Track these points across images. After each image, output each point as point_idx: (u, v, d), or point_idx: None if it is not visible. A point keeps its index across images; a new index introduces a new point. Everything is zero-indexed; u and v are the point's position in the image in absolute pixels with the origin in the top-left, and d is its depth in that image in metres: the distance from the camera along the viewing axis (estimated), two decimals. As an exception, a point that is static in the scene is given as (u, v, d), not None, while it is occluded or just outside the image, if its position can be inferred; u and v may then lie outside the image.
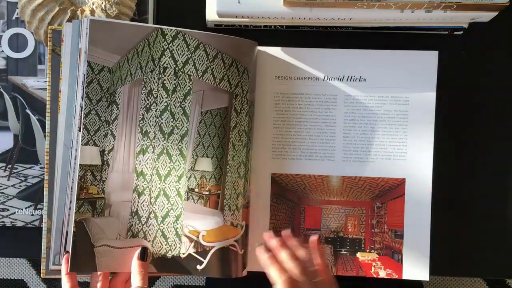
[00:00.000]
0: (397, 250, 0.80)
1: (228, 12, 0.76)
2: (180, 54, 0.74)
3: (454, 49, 0.83)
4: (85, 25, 0.70)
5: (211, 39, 0.75)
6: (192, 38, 0.74)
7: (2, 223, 0.82)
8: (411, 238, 0.80)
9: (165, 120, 0.73)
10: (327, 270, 0.74)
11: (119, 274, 0.74)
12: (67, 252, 0.70)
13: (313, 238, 0.75)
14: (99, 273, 0.72)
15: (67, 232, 0.71)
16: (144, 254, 0.72)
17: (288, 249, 0.73)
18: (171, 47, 0.73)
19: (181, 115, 0.74)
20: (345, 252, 0.81)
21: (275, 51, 0.80)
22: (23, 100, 0.83)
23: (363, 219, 0.81)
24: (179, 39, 0.73)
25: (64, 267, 0.70)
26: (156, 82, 0.73)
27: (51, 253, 0.72)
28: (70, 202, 0.70)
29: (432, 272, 0.80)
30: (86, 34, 0.70)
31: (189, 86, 0.74)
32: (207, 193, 0.76)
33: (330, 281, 0.73)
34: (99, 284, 0.73)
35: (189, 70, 0.74)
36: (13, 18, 0.83)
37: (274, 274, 0.71)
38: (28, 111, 0.83)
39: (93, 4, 0.79)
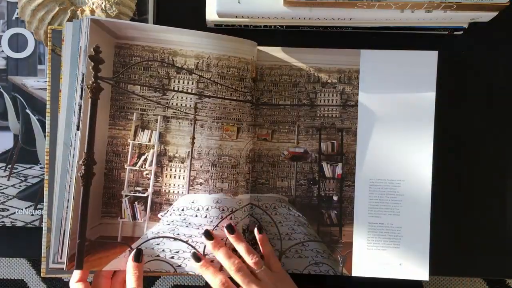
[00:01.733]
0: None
1: (228, 12, 0.76)
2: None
3: (454, 49, 0.83)
4: (85, 24, 0.70)
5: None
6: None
7: (2, 223, 0.82)
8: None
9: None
10: (272, 258, 0.76)
11: (119, 274, 0.74)
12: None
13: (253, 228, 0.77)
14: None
15: (64, 231, 0.71)
16: (138, 256, 0.72)
17: (224, 247, 0.74)
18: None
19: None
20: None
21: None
22: (23, 100, 0.83)
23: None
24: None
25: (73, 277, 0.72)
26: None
27: (51, 253, 0.72)
28: (68, 200, 0.71)
29: (432, 272, 0.80)
30: (86, 33, 0.70)
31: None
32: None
33: (277, 270, 0.74)
34: (102, 284, 0.73)
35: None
36: (13, 18, 0.83)
37: (210, 280, 0.72)
38: (28, 111, 0.83)
39: (93, 4, 0.79)
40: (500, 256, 0.84)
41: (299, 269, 0.80)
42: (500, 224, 0.84)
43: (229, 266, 0.72)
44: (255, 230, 0.77)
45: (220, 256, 0.73)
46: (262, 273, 0.73)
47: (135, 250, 0.72)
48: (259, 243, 0.77)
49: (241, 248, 0.74)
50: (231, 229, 0.75)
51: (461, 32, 0.82)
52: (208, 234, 0.74)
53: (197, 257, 0.73)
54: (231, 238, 0.75)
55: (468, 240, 0.84)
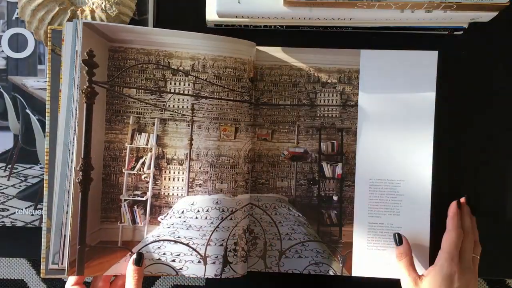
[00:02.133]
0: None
1: (228, 12, 0.76)
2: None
3: (454, 49, 0.83)
4: (80, 27, 0.70)
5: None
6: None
7: (2, 223, 0.82)
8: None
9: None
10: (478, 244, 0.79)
11: (119, 278, 0.74)
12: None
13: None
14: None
15: (65, 236, 0.71)
16: (139, 260, 0.72)
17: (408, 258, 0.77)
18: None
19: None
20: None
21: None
22: (23, 100, 0.83)
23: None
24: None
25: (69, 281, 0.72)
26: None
27: (51, 253, 0.72)
28: (68, 205, 0.71)
29: (432, 272, 0.80)
30: (80, 37, 0.70)
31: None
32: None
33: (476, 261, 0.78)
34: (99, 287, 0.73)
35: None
36: (13, 18, 0.83)
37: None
38: (28, 111, 0.83)
39: (93, 4, 0.79)
40: (500, 256, 0.84)
41: (299, 269, 0.80)
42: (501, 224, 0.84)
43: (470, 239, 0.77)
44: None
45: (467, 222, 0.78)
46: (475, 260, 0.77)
47: (135, 254, 0.72)
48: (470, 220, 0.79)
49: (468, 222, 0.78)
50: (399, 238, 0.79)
51: (461, 32, 0.82)
52: (399, 238, 0.78)
53: (400, 239, 0.78)
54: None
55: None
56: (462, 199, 0.80)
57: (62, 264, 0.71)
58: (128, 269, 0.72)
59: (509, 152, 0.84)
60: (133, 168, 0.76)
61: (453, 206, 0.78)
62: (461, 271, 0.73)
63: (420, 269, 0.79)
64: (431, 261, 0.79)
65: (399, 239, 0.78)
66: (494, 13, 0.73)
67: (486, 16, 0.75)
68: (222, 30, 0.82)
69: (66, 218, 0.71)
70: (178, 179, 0.77)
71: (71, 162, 0.71)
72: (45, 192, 0.74)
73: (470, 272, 0.74)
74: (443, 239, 0.76)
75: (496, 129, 0.84)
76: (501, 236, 0.84)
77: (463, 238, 0.76)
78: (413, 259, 0.77)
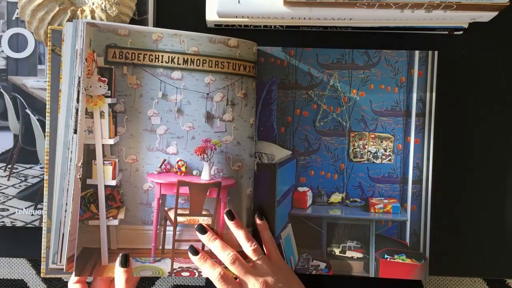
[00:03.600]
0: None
1: (228, 12, 0.76)
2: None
3: (454, 49, 0.83)
4: (81, 27, 0.70)
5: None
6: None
7: (2, 223, 0.83)
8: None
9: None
10: (272, 246, 0.76)
11: None
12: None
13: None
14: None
15: (63, 234, 0.71)
16: (124, 261, 0.72)
17: (219, 239, 0.74)
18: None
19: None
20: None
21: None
22: (23, 100, 0.83)
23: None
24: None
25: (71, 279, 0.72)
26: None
27: (51, 253, 0.72)
28: (66, 204, 0.71)
29: (432, 272, 0.80)
30: (82, 36, 0.70)
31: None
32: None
33: (276, 259, 0.75)
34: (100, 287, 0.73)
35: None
36: (13, 18, 0.83)
37: (208, 273, 0.72)
38: (28, 111, 0.83)
39: (93, 4, 0.79)
40: (500, 256, 0.84)
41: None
42: (500, 224, 0.84)
43: (224, 258, 0.72)
44: (255, 216, 0.77)
45: (215, 248, 0.73)
46: (260, 262, 0.73)
47: (120, 255, 0.72)
48: (258, 229, 0.77)
49: (240, 234, 0.74)
50: (230, 215, 0.75)
51: (461, 32, 0.82)
52: (201, 228, 0.74)
53: (194, 250, 0.73)
54: (231, 225, 0.75)
55: (468, 240, 0.84)
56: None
57: (60, 261, 0.71)
58: (115, 271, 0.72)
59: (509, 152, 0.84)
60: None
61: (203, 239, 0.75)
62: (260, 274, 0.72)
63: (420, 269, 0.79)
64: (431, 261, 0.79)
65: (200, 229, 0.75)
66: (494, 13, 0.73)
67: (486, 16, 0.75)
68: (222, 30, 0.82)
69: (65, 216, 0.71)
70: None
71: (70, 161, 0.71)
72: (45, 192, 0.74)
73: (278, 270, 0.73)
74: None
75: (496, 129, 0.84)
76: (501, 236, 0.84)
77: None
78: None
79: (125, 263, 0.72)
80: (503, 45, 0.84)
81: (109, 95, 0.72)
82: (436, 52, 0.80)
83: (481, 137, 0.84)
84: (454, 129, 0.84)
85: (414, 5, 0.71)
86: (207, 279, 0.99)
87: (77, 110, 0.70)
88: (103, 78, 0.72)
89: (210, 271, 0.72)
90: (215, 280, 0.71)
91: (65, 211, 0.71)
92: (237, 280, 0.73)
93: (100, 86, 0.71)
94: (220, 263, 0.74)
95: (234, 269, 0.72)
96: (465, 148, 0.84)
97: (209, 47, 0.75)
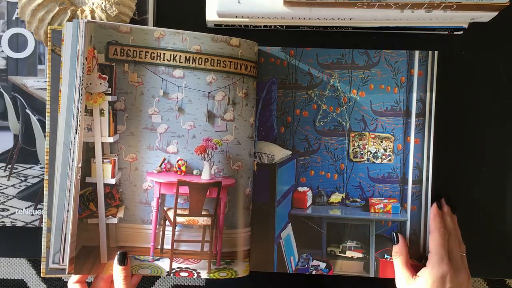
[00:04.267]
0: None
1: (228, 12, 0.76)
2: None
3: (454, 49, 0.83)
4: (82, 27, 0.71)
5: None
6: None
7: (2, 223, 0.83)
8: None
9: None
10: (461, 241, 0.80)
11: None
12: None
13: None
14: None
15: (65, 235, 0.71)
16: (123, 259, 0.72)
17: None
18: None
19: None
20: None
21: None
22: (23, 100, 0.83)
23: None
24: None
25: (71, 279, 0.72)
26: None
27: (51, 253, 0.72)
28: (69, 204, 0.71)
29: (432, 272, 0.80)
30: (82, 36, 0.70)
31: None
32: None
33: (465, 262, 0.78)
34: (100, 287, 0.73)
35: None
36: (13, 18, 0.83)
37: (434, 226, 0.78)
38: (28, 111, 0.83)
39: (93, 4, 0.79)
40: (500, 256, 0.84)
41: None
42: (500, 224, 0.84)
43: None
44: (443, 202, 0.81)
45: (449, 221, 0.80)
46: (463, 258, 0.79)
47: (118, 253, 0.72)
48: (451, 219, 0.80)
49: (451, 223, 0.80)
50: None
51: (461, 32, 0.82)
52: (396, 237, 0.79)
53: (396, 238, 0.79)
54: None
55: (468, 240, 0.83)
56: (442, 200, 0.80)
57: (62, 262, 0.71)
58: (114, 269, 0.72)
59: (509, 152, 0.84)
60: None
61: (433, 208, 0.79)
62: (453, 271, 0.74)
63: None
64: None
65: (396, 238, 0.78)
66: (494, 13, 0.73)
67: (486, 16, 0.75)
68: (222, 30, 0.83)
69: (67, 216, 0.71)
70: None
71: (72, 161, 0.71)
72: (45, 192, 0.74)
73: (463, 272, 0.75)
74: (430, 242, 0.77)
75: (496, 129, 0.84)
76: (501, 236, 0.84)
77: (448, 238, 0.77)
78: (409, 259, 0.78)
79: (123, 261, 0.72)
80: (503, 45, 0.84)
81: (110, 92, 0.72)
82: (436, 52, 0.80)
83: (481, 137, 0.84)
84: (454, 129, 0.83)
85: (414, 5, 0.71)
86: (207, 279, 0.99)
87: (78, 110, 0.70)
88: (104, 76, 0.72)
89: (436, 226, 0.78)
90: (439, 234, 0.77)
91: (67, 211, 0.71)
92: None
93: (101, 84, 0.71)
94: None
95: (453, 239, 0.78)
96: (465, 148, 0.84)
97: (211, 45, 0.75)
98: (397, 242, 0.78)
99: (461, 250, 0.78)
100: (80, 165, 0.71)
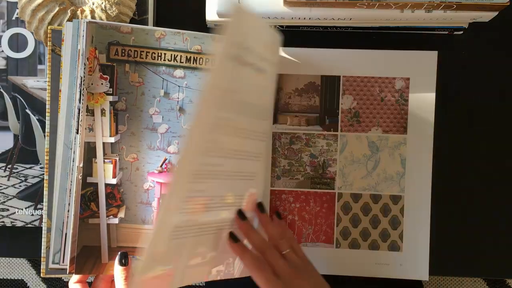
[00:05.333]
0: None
1: (228, 12, 0.76)
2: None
3: (454, 49, 0.83)
4: (83, 27, 0.71)
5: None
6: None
7: (2, 223, 0.82)
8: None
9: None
10: (295, 243, 0.73)
11: None
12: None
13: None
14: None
15: (66, 234, 0.71)
16: (124, 259, 0.72)
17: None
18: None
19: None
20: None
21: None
22: (23, 100, 0.83)
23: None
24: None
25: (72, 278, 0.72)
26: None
27: (51, 253, 0.72)
28: (69, 204, 0.71)
29: (432, 272, 0.80)
30: (84, 36, 0.70)
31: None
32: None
33: (302, 256, 0.72)
34: (101, 287, 0.73)
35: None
36: (13, 18, 0.83)
37: (238, 253, 0.69)
38: (28, 111, 0.83)
39: (93, 4, 0.79)
40: (500, 256, 0.84)
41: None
42: (501, 224, 0.84)
43: (259, 240, 0.70)
44: (274, 216, 0.76)
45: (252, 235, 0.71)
46: (289, 254, 0.70)
47: (119, 254, 0.72)
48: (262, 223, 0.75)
49: (273, 228, 0.73)
50: (261, 207, 0.74)
51: (461, 32, 0.82)
52: (241, 214, 0.71)
53: (234, 237, 0.70)
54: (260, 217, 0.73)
55: (468, 240, 0.84)
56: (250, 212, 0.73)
57: (63, 262, 0.71)
58: (115, 270, 0.72)
59: (509, 152, 0.84)
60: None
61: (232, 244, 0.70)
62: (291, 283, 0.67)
63: (420, 269, 0.79)
64: (431, 261, 0.79)
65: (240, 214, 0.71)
66: (494, 13, 0.73)
67: (486, 16, 0.75)
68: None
69: (68, 216, 0.71)
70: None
71: (73, 161, 0.71)
72: (45, 192, 0.74)
73: (295, 281, 0.68)
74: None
75: (497, 129, 0.84)
76: (501, 236, 0.84)
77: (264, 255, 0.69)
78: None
79: (124, 262, 0.72)
80: (503, 45, 0.84)
81: (111, 92, 0.72)
82: (436, 52, 0.80)
83: (481, 137, 0.84)
84: (454, 129, 0.84)
85: (414, 5, 0.71)
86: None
87: (79, 110, 0.71)
88: (105, 76, 0.72)
89: (240, 252, 0.69)
90: (245, 259, 0.68)
91: (68, 211, 0.71)
92: None
93: (102, 84, 0.71)
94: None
95: (267, 249, 0.69)
96: (465, 148, 0.84)
97: (212, 45, 0.75)
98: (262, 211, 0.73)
99: (281, 248, 0.71)
100: (81, 165, 0.71)
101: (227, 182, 0.67)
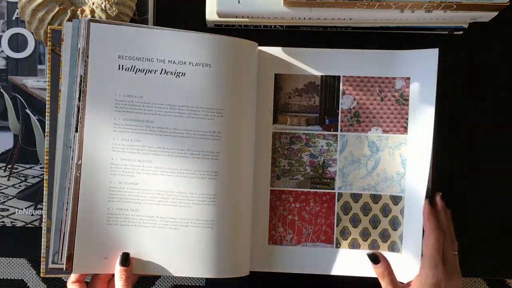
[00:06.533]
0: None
1: (228, 12, 0.76)
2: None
3: (454, 49, 0.83)
4: (83, 25, 0.71)
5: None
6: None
7: (2, 223, 0.83)
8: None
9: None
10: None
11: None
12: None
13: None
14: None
15: (64, 233, 0.71)
16: (125, 260, 0.72)
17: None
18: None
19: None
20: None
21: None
22: (23, 100, 0.83)
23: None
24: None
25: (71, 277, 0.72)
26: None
27: (51, 253, 0.72)
28: (67, 202, 0.71)
29: (432, 272, 0.80)
30: (84, 35, 0.70)
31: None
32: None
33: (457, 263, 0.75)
34: (98, 287, 0.73)
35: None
36: (13, 18, 0.83)
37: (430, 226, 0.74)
38: (28, 111, 0.83)
39: (93, 4, 0.79)
40: (500, 256, 0.84)
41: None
42: (500, 224, 0.84)
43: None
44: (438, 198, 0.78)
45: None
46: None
47: (121, 254, 0.72)
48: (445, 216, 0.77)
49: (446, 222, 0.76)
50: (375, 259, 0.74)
51: (461, 32, 0.82)
52: (375, 258, 0.74)
53: (375, 258, 0.74)
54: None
55: (468, 240, 0.83)
56: (437, 196, 0.78)
57: (61, 261, 0.71)
58: (115, 270, 0.72)
59: (509, 152, 0.84)
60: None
61: (426, 206, 0.75)
62: (447, 276, 0.71)
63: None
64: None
65: (374, 259, 0.74)
66: (494, 13, 0.73)
67: (486, 16, 0.75)
68: (222, 30, 0.83)
69: (66, 215, 0.71)
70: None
71: (72, 159, 0.71)
72: (45, 192, 0.74)
73: (455, 276, 0.73)
74: (424, 245, 0.74)
75: (497, 129, 0.84)
76: (501, 236, 0.84)
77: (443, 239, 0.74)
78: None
79: (125, 262, 0.72)
80: (503, 45, 0.84)
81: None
82: (436, 51, 0.79)
83: (481, 137, 0.84)
84: (454, 129, 0.83)
85: (414, 5, 0.71)
86: (207, 280, 0.99)
87: (79, 108, 0.71)
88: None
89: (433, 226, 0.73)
90: (436, 234, 0.73)
91: (66, 209, 0.71)
92: None
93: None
94: None
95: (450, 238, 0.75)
96: (465, 148, 0.84)
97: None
98: (377, 262, 0.74)
99: (453, 249, 0.75)
100: (79, 162, 0.71)
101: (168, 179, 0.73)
